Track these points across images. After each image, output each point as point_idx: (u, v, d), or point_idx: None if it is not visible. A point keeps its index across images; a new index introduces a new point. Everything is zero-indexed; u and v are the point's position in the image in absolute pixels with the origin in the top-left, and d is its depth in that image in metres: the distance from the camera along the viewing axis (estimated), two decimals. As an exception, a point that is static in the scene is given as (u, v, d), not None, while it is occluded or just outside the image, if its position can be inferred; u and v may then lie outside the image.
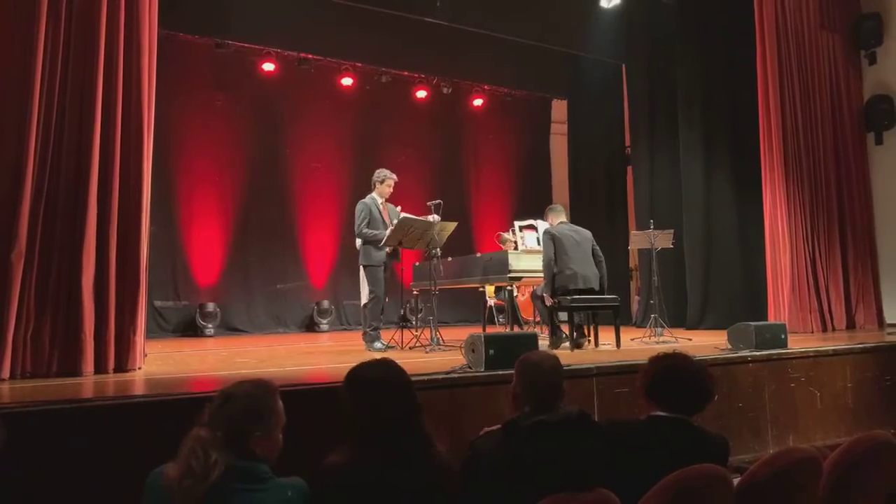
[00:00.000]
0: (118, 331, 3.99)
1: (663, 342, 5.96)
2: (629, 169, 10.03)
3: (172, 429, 2.71)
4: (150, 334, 5.97)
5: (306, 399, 2.98)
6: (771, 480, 1.96)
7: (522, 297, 7.65)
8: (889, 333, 6.36)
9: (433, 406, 3.20)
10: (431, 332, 5.60)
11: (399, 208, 6.10)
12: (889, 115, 7.58)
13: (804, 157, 7.03)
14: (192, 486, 1.58)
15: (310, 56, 9.49)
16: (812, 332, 6.62)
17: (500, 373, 3.44)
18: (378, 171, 6.08)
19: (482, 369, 3.56)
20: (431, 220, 5.67)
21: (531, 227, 6.35)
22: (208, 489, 1.58)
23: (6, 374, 3.57)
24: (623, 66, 10.01)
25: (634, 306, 9.74)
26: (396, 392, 1.90)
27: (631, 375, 3.78)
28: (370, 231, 5.79)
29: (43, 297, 3.77)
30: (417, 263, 7.07)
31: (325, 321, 9.43)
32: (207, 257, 9.04)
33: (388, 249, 5.82)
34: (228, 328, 8.90)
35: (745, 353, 4.51)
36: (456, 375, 3.49)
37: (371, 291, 5.78)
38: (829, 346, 4.93)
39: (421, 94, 10.69)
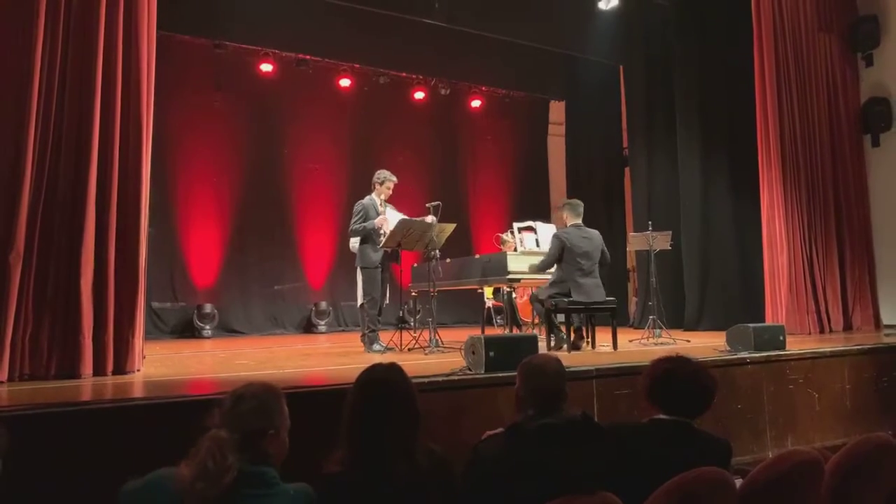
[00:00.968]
0: (117, 333, 3.97)
1: (662, 343, 5.97)
2: (627, 170, 10.05)
3: (171, 431, 2.73)
4: (148, 336, 5.95)
5: (307, 401, 2.96)
6: (773, 483, 1.96)
7: (521, 298, 7.66)
8: (886, 335, 6.37)
9: (433, 409, 3.19)
10: (430, 333, 5.59)
11: (392, 207, 6.09)
12: (885, 116, 7.61)
13: (801, 158, 7.06)
14: (206, 488, 1.55)
15: (308, 57, 9.49)
16: (809, 334, 6.63)
17: (501, 375, 3.44)
18: (378, 171, 6.07)
19: (482, 371, 3.56)
20: (429, 220, 5.67)
21: (530, 228, 6.35)
22: (220, 493, 1.57)
23: (4, 376, 3.56)
24: (621, 67, 10.03)
25: (632, 307, 9.75)
26: (405, 396, 1.89)
27: (630, 377, 3.79)
28: (359, 225, 5.77)
29: (41, 298, 3.76)
30: (416, 265, 7.07)
31: (322, 322, 9.42)
32: (205, 258, 9.02)
33: (387, 250, 5.81)
34: (226, 329, 8.88)
35: (744, 354, 4.51)
36: (456, 378, 3.48)
37: (368, 293, 5.77)
38: (827, 347, 4.94)
39: (419, 95, 10.70)
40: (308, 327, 9.48)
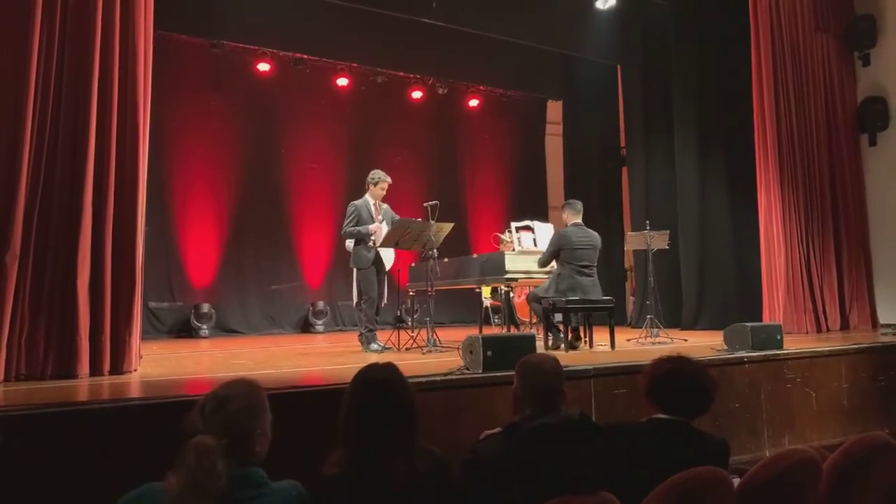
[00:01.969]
0: (113, 333, 3.96)
1: (659, 343, 5.98)
2: (624, 170, 10.05)
3: (168, 431, 2.72)
4: (145, 335, 5.94)
5: (305, 401, 2.96)
6: (771, 482, 1.96)
7: (519, 298, 7.66)
8: (883, 334, 6.38)
9: (431, 408, 3.19)
10: (428, 333, 5.59)
11: (389, 207, 6.09)
12: (882, 116, 7.63)
13: (798, 158, 7.07)
14: (199, 501, 1.49)
15: (305, 56, 9.48)
16: (807, 333, 6.65)
17: (499, 374, 3.44)
18: (372, 172, 6.07)
19: (480, 371, 3.56)
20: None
21: (528, 228, 6.36)
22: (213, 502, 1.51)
23: (0, 376, 3.54)
24: (618, 67, 10.03)
25: (630, 307, 9.76)
26: (402, 396, 1.88)
27: (628, 376, 3.79)
28: (353, 228, 5.78)
29: (38, 298, 3.75)
30: (414, 264, 7.07)
31: (320, 322, 9.41)
32: (202, 258, 9.00)
33: (381, 250, 5.81)
34: (223, 329, 8.87)
35: (742, 353, 4.52)
36: (454, 377, 3.48)
37: (365, 293, 5.77)
38: (824, 346, 4.95)
39: (416, 94, 10.69)
40: (305, 327, 9.47)
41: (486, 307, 8.83)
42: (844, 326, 7.20)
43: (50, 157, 3.87)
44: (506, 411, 2.95)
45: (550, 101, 11.83)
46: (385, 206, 6.05)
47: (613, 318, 5.59)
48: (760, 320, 6.46)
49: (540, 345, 5.24)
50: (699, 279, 8.02)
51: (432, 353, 5.23)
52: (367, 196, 5.98)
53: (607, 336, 5.46)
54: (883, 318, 7.40)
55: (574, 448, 1.88)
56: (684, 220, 8.19)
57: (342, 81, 9.93)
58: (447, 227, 5.74)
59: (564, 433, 1.89)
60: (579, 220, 5.64)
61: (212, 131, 9.15)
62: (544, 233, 6.30)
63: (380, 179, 5.97)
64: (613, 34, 9.38)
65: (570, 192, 10.84)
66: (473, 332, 5.14)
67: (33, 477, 2.49)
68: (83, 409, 2.77)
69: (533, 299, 5.84)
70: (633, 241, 6.79)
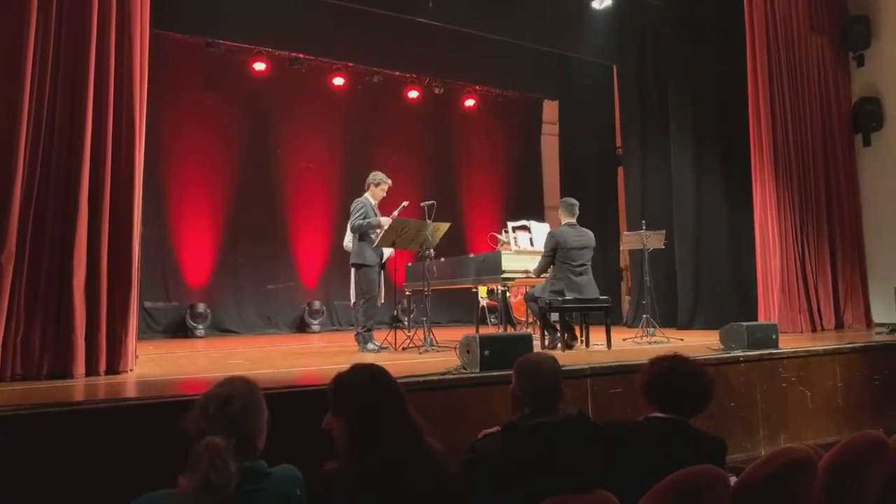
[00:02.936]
0: (109, 332, 3.95)
1: (655, 342, 5.99)
2: (620, 170, 10.08)
3: (164, 431, 2.72)
4: (140, 335, 5.92)
5: (302, 400, 2.96)
6: (767, 481, 1.97)
7: (515, 297, 7.66)
8: (877, 333, 6.42)
9: (428, 407, 3.19)
10: (425, 332, 5.59)
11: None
12: (877, 116, 7.67)
13: (793, 158, 7.10)
14: (213, 501, 1.51)
15: (301, 55, 9.47)
16: (801, 332, 6.68)
17: (495, 374, 3.44)
18: (374, 173, 6.05)
19: (477, 370, 3.56)
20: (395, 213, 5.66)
21: (524, 227, 6.36)
22: (226, 501, 1.53)
23: (-5, 376, 3.54)
24: (614, 67, 10.05)
25: (626, 306, 9.78)
26: (381, 397, 1.88)
27: (625, 376, 3.80)
28: (364, 220, 5.71)
29: (33, 298, 3.73)
30: (410, 264, 7.07)
31: (316, 322, 9.40)
32: (198, 258, 8.98)
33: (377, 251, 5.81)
34: (219, 329, 8.85)
35: (738, 353, 4.54)
36: (451, 377, 3.48)
37: (367, 292, 5.75)
38: (819, 346, 4.97)
39: (413, 94, 10.69)
40: (301, 327, 9.46)
41: (483, 307, 8.84)
42: (839, 325, 7.23)
43: (45, 156, 3.85)
44: (503, 410, 2.96)
45: (546, 100, 11.85)
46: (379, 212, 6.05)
47: (610, 317, 5.61)
48: (756, 320, 6.49)
49: (536, 344, 5.25)
50: (695, 279, 8.04)
51: (429, 353, 5.23)
52: (368, 196, 5.97)
53: (604, 335, 5.48)
54: (877, 318, 7.43)
55: (572, 447, 1.88)
56: (680, 219, 8.21)
57: (338, 81, 9.92)
58: (444, 226, 5.75)
59: (563, 432, 1.90)
60: (573, 220, 5.64)
61: (208, 130, 9.13)
62: (541, 232, 6.31)
63: (381, 181, 5.96)
64: (609, 34, 9.41)
65: (566, 192, 10.83)
66: (470, 331, 5.14)
67: (29, 477, 2.48)
68: (79, 410, 2.76)
69: (530, 299, 5.85)
70: (629, 240, 6.80)
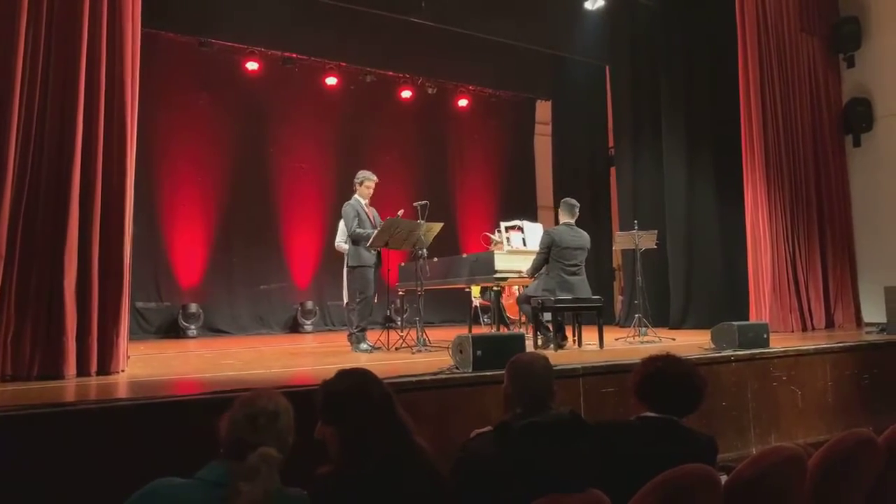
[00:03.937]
0: (101, 333, 3.93)
1: (648, 342, 6.01)
2: (613, 170, 10.10)
3: (156, 432, 2.71)
4: (132, 336, 5.90)
5: (295, 401, 2.95)
6: (758, 479, 1.98)
7: (508, 298, 7.67)
8: (867, 332, 6.47)
9: (421, 407, 3.20)
10: (418, 332, 5.59)
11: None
12: (867, 117, 7.72)
13: (784, 158, 7.14)
14: None
15: (294, 55, 9.45)
16: (792, 332, 6.72)
17: (488, 373, 3.45)
18: (359, 172, 6.07)
19: (470, 370, 3.57)
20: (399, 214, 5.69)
21: (517, 227, 6.37)
22: None
23: (-14, 377, 3.52)
24: (607, 67, 10.08)
25: (618, 306, 9.81)
26: (370, 399, 1.87)
27: (617, 375, 3.81)
28: (363, 230, 5.75)
29: (24, 299, 3.71)
30: (403, 264, 7.06)
31: (309, 322, 9.38)
32: (190, 258, 8.94)
33: (373, 251, 5.82)
34: (211, 329, 8.81)
35: (729, 352, 4.56)
36: (444, 376, 3.49)
37: (362, 292, 5.75)
38: (810, 345, 5.01)
39: (406, 94, 10.68)
40: (294, 327, 9.44)
41: (476, 307, 8.85)
42: (829, 325, 7.28)
43: (36, 156, 3.83)
44: (496, 410, 2.96)
45: (539, 101, 11.87)
46: (373, 209, 6.05)
47: (602, 317, 5.63)
48: (747, 319, 6.52)
49: (529, 344, 5.26)
50: (687, 278, 8.08)
51: (422, 353, 5.23)
52: (357, 196, 5.98)
53: (596, 335, 5.49)
54: (867, 317, 7.49)
55: (564, 447, 1.89)
56: (672, 219, 8.24)
57: (331, 81, 9.90)
58: (437, 226, 5.75)
59: (555, 432, 1.90)
60: (571, 221, 5.67)
61: (200, 130, 9.09)
62: (534, 232, 6.32)
63: (365, 178, 5.97)
64: (602, 35, 9.44)
65: (559, 192, 10.88)
66: (463, 331, 5.15)
67: (19, 479, 2.47)
68: (70, 411, 2.75)
69: (523, 300, 5.87)
70: (622, 240, 6.82)
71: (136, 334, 7.84)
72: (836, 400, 4.88)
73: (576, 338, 5.74)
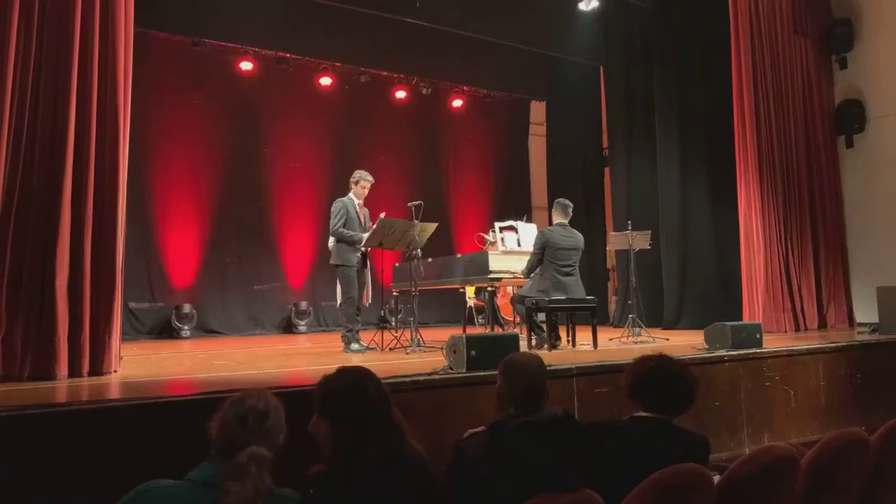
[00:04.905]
0: (93, 334, 3.91)
1: (641, 342, 6.03)
2: (607, 170, 10.13)
3: (149, 433, 2.70)
4: (125, 336, 5.88)
5: (288, 401, 2.94)
6: (750, 478, 1.98)
7: (502, 298, 7.67)
8: (859, 332, 6.50)
9: (415, 407, 3.20)
10: (412, 332, 5.59)
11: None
12: (859, 118, 7.77)
13: (777, 159, 7.17)
14: None
15: (288, 55, 9.43)
16: (785, 332, 6.75)
17: (482, 374, 3.45)
18: (355, 172, 6.07)
19: (464, 370, 3.57)
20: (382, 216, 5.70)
21: (511, 228, 6.38)
22: None
23: (-23, 378, 3.49)
24: (601, 68, 10.10)
25: (612, 306, 9.83)
26: (368, 399, 1.87)
27: (610, 375, 3.82)
28: (346, 231, 5.77)
29: (14, 299, 3.68)
30: (397, 264, 7.06)
31: (302, 322, 9.35)
32: (183, 258, 8.91)
33: (365, 250, 5.81)
34: (205, 330, 8.78)
35: (722, 352, 4.57)
36: (438, 377, 3.49)
37: (345, 293, 5.76)
38: (803, 345, 5.03)
39: (400, 94, 10.68)
40: (288, 327, 9.41)
41: (470, 307, 8.85)
42: (822, 325, 7.32)
43: (28, 156, 3.81)
44: (490, 410, 2.96)
45: (534, 101, 11.88)
46: (365, 209, 6.05)
47: (596, 317, 5.64)
48: (740, 319, 6.54)
49: (523, 345, 5.26)
50: (680, 279, 8.10)
51: (416, 353, 5.23)
52: (352, 195, 5.98)
53: (590, 335, 5.50)
54: (859, 317, 7.53)
55: (557, 446, 1.89)
56: (666, 220, 8.27)
57: (325, 81, 9.89)
58: (431, 226, 5.75)
59: (548, 431, 1.90)
60: (565, 221, 5.68)
61: (193, 130, 9.06)
62: (528, 233, 6.33)
63: (361, 178, 5.97)
64: (596, 35, 9.46)
65: (553, 193, 10.88)
66: (457, 331, 5.15)
67: (11, 480, 2.45)
68: (62, 411, 2.73)
69: (517, 301, 5.87)
70: (616, 241, 6.84)
71: (130, 335, 7.81)
72: (828, 400, 4.90)
73: (570, 338, 5.75)
